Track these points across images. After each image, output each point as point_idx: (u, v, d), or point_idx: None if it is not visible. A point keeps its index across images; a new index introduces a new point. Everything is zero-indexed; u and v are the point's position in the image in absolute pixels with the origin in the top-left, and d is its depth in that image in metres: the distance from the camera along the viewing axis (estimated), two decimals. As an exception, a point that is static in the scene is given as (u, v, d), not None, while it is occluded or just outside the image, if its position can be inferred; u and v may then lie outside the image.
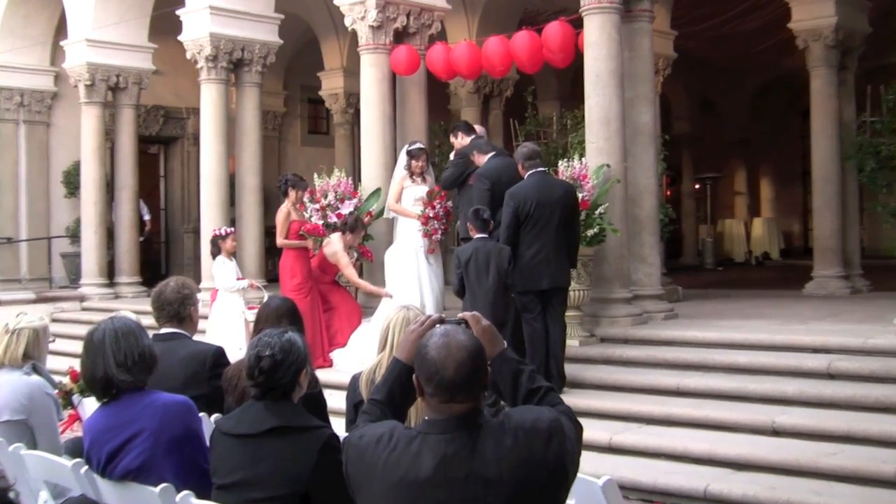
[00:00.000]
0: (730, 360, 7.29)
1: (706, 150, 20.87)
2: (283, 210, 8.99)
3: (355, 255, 9.37)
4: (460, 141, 8.88)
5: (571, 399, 6.63)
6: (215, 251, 8.95)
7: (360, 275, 9.77)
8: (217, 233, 9.02)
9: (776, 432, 6.18)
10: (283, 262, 9.06)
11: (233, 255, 9.07)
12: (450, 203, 9.14)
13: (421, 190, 9.18)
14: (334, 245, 9.04)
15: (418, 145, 9.34)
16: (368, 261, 9.64)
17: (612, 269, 8.42)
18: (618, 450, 6.36)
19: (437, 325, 2.61)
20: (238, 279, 8.95)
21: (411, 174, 9.19)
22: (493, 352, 2.61)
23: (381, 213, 9.61)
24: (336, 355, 8.81)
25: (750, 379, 6.94)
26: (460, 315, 2.68)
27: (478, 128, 9.37)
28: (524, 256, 7.05)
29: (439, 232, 9.11)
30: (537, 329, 7.07)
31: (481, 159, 8.09)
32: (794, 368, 6.95)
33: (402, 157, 9.32)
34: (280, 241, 8.98)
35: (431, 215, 9.05)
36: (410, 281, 8.89)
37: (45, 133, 15.00)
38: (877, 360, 6.76)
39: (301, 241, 9.06)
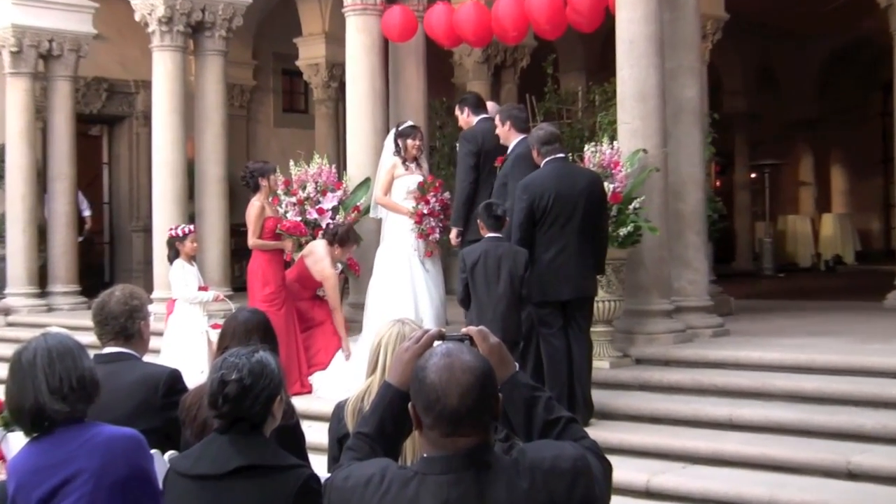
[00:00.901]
0: (794, 386, 7.29)
1: (764, 132, 20.88)
2: (256, 205, 8.97)
3: (340, 266, 9.36)
4: (466, 118, 8.80)
5: (600, 432, 6.66)
6: (173, 255, 8.93)
7: (344, 288, 9.76)
8: (174, 233, 8.99)
9: (852, 475, 6.17)
10: (252, 267, 9.06)
11: (193, 258, 9.08)
12: (447, 195, 9.11)
13: (415, 180, 9.16)
14: (321, 259, 9.01)
15: (410, 123, 9.33)
16: (355, 275, 9.63)
17: (649, 276, 8.43)
18: (657, 494, 6.36)
19: (437, 343, 2.61)
20: (200, 288, 8.93)
21: (404, 160, 9.16)
22: (502, 375, 2.61)
23: (368, 209, 9.60)
24: (316, 379, 8.83)
25: (819, 409, 6.95)
26: (463, 330, 2.68)
27: (490, 105, 9.36)
28: (541, 261, 7.06)
29: (437, 231, 9.07)
30: (558, 348, 7.08)
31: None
32: (873, 397, 6.95)
33: (390, 142, 9.30)
34: (253, 241, 8.96)
35: (426, 212, 9.01)
36: (403, 290, 8.88)
37: (-39, 111, 15.03)
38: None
39: (278, 241, 9.05)
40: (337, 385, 8.42)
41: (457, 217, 8.57)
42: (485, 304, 6.89)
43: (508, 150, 8.04)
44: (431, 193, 9.07)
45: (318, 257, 9.06)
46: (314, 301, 9.26)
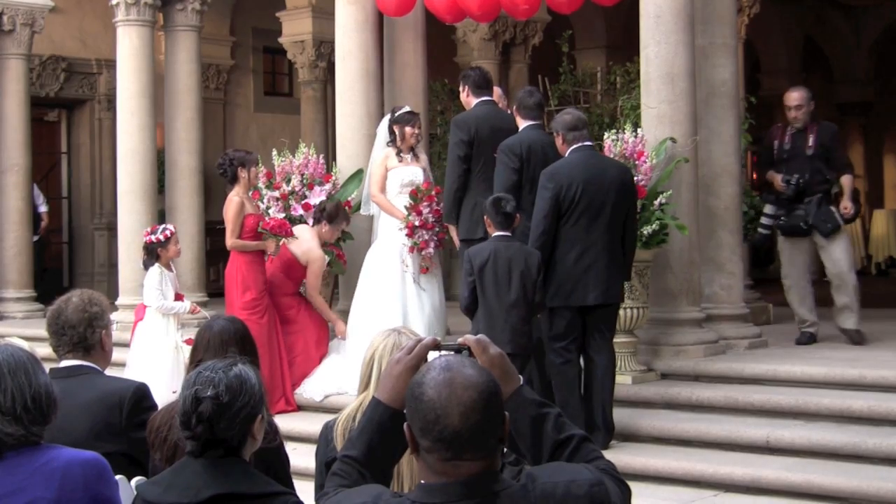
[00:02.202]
0: (841, 404, 7.30)
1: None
2: (235, 200, 8.94)
3: (327, 258, 9.37)
4: (466, 98, 8.76)
5: (621, 456, 6.68)
6: (151, 261, 8.82)
7: (333, 294, 9.75)
8: (154, 238, 8.79)
9: (908, 506, 6.19)
10: (230, 271, 9.06)
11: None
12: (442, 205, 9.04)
13: (412, 172, 9.13)
14: (308, 240, 9.03)
15: (407, 109, 9.32)
16: (343, 267, 9.61)
17: (677, 280, 8.44)
18: (686, 527, 6.39)
19: (433, 354, 2.61)
20: (177, 298, 8.88)
21: (399, 150, 9.15)
22: (505, 391, 2.60)
23: (360, 204, 9.60)
24: (310, 384, 8.84)
25: (870, 431, 6.95)
26: (460, 339, 2.68)
27: (495, 91, 9.37)
28: (564, 261, 7.08)
29: (431, 245, 9.03)
30: (573, 361, 7.10)
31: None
32: (930, 417, 6.97)
33: (383, 130, 9.29)
34: (232, 241, 8.94)
35: (418, 224, 8.96)
36: (392, 296, 8.87)
37: None
38: None
39: (259, 242, 9.04)
40: (326, 383, 8.55)
41: (447, 214, 8.62)
42: (495, 312, 6.91)
43: None
44: (425, 203, 8.99)
45: (305, 238, 9.09)
46: (298, 299, 9.24)
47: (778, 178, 9.35)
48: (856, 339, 9.20)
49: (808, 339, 9.29)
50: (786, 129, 9.50)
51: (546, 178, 7.17)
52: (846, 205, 9.36)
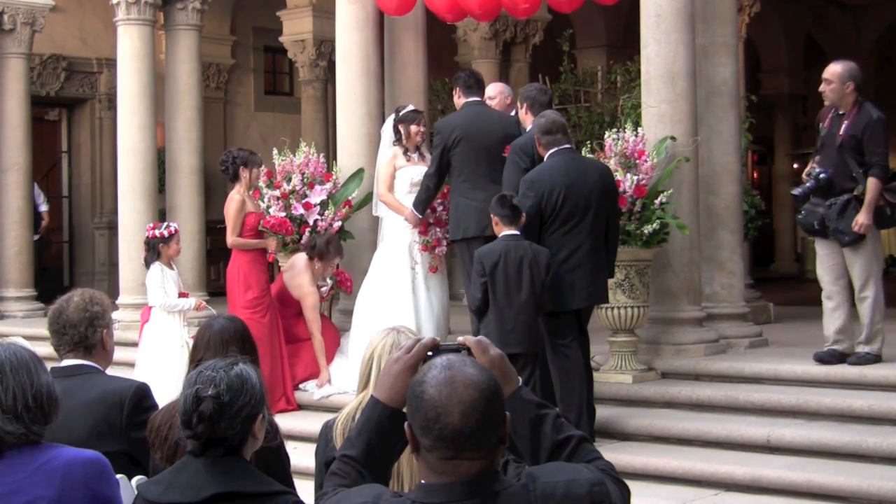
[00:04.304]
0: (842, 404, 7.30)
1: (809, 116, 20.84)
2: (236, 199, 8.96)
3: (330, 282, 9.34)
4: (457, 99, 8.84)
5: (621, 455, 6.69)
6: (152, 257, 8.83)
7: (333, 296, 9.74)
8: (157, 233, 8.79)
9: (909, 505, 6.19)
10: (232, 270, 9.05)
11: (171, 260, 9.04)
12: None
13: (420, 171, 9.14)
14: (299, 274, 8.98)
15: (411, 108, 9.33)
16: (346, 292, 9.59)
17: (677, 280, 8.44)
18: (686, 526, 6.39)
19: (433, 353, 2.61)
20: (180, 295, 8.89)
21: (406, 149, 9.16)
22: (504, 391, 2.60)
23: (361, 203, 9.60)
24: (311, 384, 8.84)
25: (871, 430, 6.95)
26: (460, 339, 2.68)
27: (500, 86, 9.36)
28: (552, 264, 7.08)
29: (443, 243, 9.05)
30: (575, 360, 7.12)
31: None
32: (931, 416, 6.97)
33: (388, 130, 9.31)
34: (232, 239, 8.94)
35: (431, 221, 8.99)
36: (402, 295, 8.87)
37: None
38: None
39: (260, 240, 9.04)
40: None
41: (416, 201, 8.82)
42: (505, 313, 6.91)
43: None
44: (438, 200, 9.03)
45: (297, 271, 9.03)
46: (300, 318, 9.19)
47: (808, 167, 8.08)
48: (861, 361, 7.79)
49: (827, 357, 7.88)
50: (831, 111, 8.07)
51: (527, 185, 7.18)
52: (858, 219, 7.70)
